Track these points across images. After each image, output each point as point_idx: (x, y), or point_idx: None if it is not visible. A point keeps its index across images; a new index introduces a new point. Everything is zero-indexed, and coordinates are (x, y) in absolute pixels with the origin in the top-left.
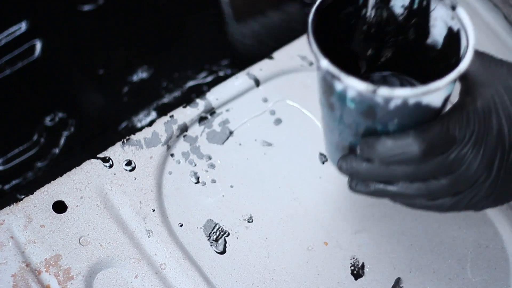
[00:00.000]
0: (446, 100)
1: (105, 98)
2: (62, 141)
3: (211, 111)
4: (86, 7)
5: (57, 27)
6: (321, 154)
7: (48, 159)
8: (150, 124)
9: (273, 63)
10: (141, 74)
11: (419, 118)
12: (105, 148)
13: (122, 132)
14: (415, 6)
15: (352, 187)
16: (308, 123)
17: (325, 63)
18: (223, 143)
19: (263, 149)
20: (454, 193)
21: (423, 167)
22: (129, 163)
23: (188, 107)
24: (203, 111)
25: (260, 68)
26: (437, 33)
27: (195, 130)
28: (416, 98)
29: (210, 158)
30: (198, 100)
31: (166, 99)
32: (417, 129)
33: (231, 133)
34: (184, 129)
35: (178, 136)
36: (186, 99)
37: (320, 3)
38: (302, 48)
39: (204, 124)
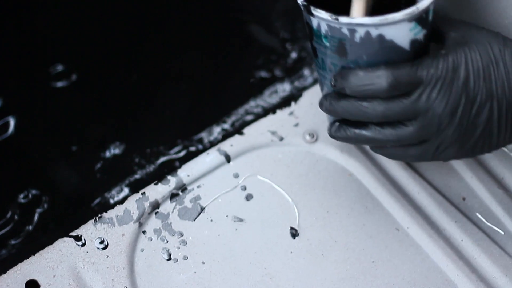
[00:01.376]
0: (416, 47)
1: (78, 174)
2: (35, 218)
3: (183, 188)
4: (59, 84)
5: (30, 104)
6: (292, 229)
7: (22, 236)
8: (122, 201)
9: (243, 138)
10: (113, 150)
11: (388, 57)
12: (78, 224)
13: (95, 208)
14: None
15: (332, 133)
16: (279, 198)
17: (300, 0)
18: (194, 220)
19: (235, 225)
20: (422, 140)
21: (392, 106)
22: (101, 241)
23: (159, 184)
24: (175, 188)
25: (231, 144)
26: None
27: (167, 207)
28: (377, 30)
29: (181, 234)
30: (169, 177)
31: (138, 175)
32: (387, 64)
33: (202, 209)
34: (155, 206)
35: (149, 213)
36: (158, 175)
37: None
38: (272, 123)
39: (175, 201)
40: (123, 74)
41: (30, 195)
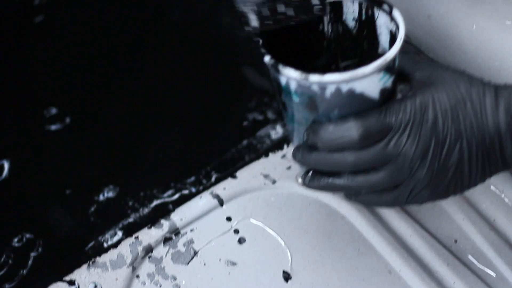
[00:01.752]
0: (386, 94)
1: (72, 218)
2: (30, 262)
3: (176, 232)
4: (53, 127)
5: (24, 147)
6: (285, 272)
7: (16, 280)
8: (116, 245)
9: (236, 182)
10: (107, 194)
11: (358, 109)
12: (72, 269)
13: (89, 252)
14: (363, 17)
15: (305, 183)
16: (271, 242)
17: (267, 58)
18: (188, 264)
19: (228, 268)
20: (395, 185)
21: (363, 155)
22: (95, 286)
23: (152, 228)
24: (168, 232)
25: (224, 187)
26: (384, 40)
27: (160, 250)
28: (347, 85)
29: (175, 278)
30: (162, 221)
31: (131, 219)
32: (356, 115)
33: (195, 253)
34: (149, 250)
35: (143, 257)
36: (152, 218)
37: None
38: (265, 166)
39: (168, 245)
40: (117, 117)
41: (24, 239)
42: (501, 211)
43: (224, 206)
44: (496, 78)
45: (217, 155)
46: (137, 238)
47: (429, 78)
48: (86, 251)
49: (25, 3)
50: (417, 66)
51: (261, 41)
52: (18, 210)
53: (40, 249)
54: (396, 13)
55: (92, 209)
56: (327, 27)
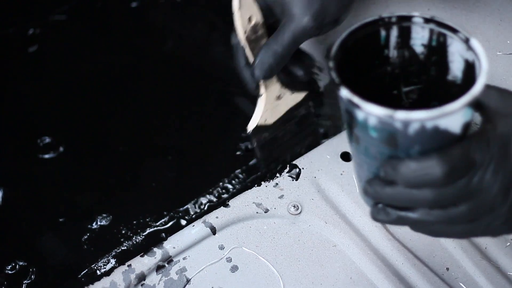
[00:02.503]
0: (466, 128)
1: (66, 246)
2: None
3: (168, 260)
4: (47, 156)
5: (18, 175)
6: None
7: None
8: (109, 272)
9: (229, 210)
10: (100, 222)
11: (439, 144)
12: None
13: (82, 279)
14: (434, 43)
15: (374, 216)
16: (264, 270)
17: (345, 92)
18: None
19: None
20: (472, 219)
21: (445, 191)
22: None
23: (145, 256)
24: (160, 260)
25: (216, 216)
26: (456, 68)
27: (153, 278)
28: (433, 121)
29: None
30: (155, 249)
31: (125, 247)
32: (440, 152)
33: (188, 281)
34: (141, 278)
35: (136, 285)
36: (145, 246)
37: (344, 40)
38: (257, 195)
39: (161, 273)
40: (110, 146)
41: (17, 267)
42: (492, 239)
43: (216, 234)
44: None
45: (210, 184)
46: (130, 266)
47: (505, 109)
48: (79, 279)
49: (20, 33)
50: (488, 95)
51: (338, 79)
52: (11, 237)
53: (33, 277)
54: (475, 43)
55: (85, 237)
56: (392, 52)
